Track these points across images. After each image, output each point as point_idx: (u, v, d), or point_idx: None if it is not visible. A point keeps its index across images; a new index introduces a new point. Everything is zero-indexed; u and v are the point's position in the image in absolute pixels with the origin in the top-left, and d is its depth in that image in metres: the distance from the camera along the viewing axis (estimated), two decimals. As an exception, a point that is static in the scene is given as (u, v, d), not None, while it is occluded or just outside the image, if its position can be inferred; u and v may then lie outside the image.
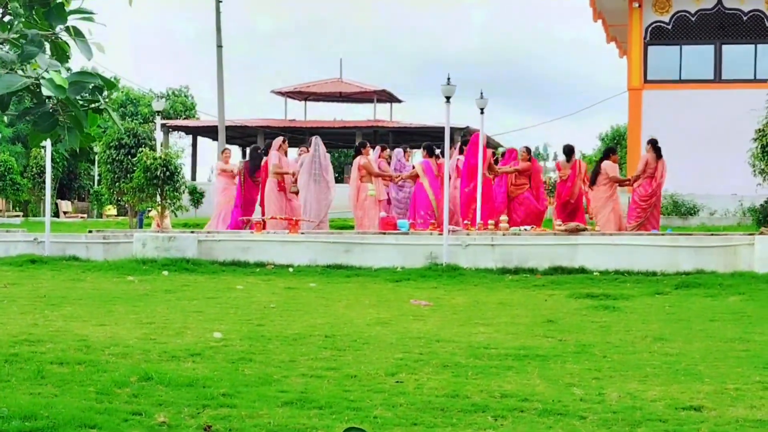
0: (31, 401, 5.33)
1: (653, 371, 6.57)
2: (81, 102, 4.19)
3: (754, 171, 14.19)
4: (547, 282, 12.77)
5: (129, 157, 23.29)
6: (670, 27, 27.63)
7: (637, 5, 27.54)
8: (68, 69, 4.28)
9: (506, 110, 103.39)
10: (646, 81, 27.61)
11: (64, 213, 38.24)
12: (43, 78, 3.93)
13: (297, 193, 17.92)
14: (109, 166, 24.41)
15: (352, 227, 19.14)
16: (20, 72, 4.05)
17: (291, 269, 14.29)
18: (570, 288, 12.04)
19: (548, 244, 14.35)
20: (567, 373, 6.47)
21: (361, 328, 8.54)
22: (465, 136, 24.50)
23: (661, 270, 13.50)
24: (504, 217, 16.28)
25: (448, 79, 14.92)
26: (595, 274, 13.49)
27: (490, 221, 16.32)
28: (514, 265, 14.07)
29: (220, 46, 35.77)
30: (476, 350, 7.34)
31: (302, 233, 15.85)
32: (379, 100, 44.41)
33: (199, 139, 45.31)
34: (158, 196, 16.84)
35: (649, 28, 27.72)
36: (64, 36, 4.25)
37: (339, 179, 25.74)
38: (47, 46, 4.30)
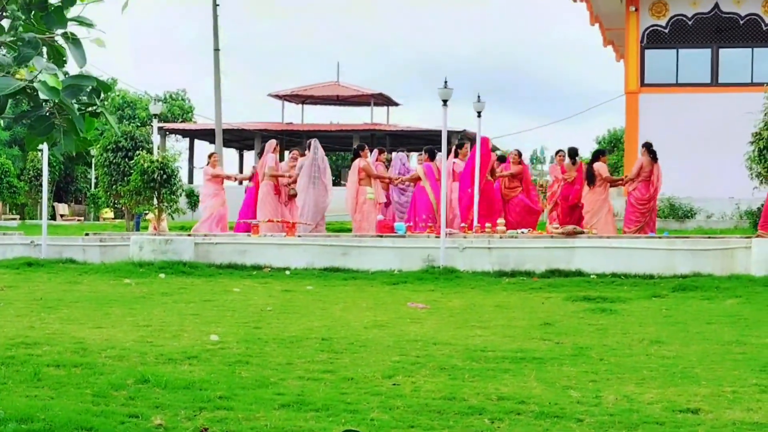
0: (27, 404, 5.33)
1: (650, 374, 6.58)
2: (78, 105, 4.19)
3: (751, 174, 14.19)
4: (544, 285, 12.77)
5: (126, 160, 23.29)
6: (667, 31, 27.67)
7: (634, 9, 27.56)
8: (65, 73, 4.27)
9: (503, 113, 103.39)
10: (643, 84, 27.63)
11: (61, 216, 38.21)
12: (38, 81, 3.93)
13: (295, 195, 17.92)
14: (106, 169, 24.42)
15: (349, 230, 19.13)
16: (16, 75, 4.05)
17: (288, 272, 14.28)
18: (567, 291, 12.04)
19: (545, 247, 14.36)
20: (564, 376, 6.47)
21: (358, 330, 8.54)
22: (461, 140, 24.50)
23: (658, 273, 13.51)
24: (501, 220, 16.29)
25: (445, 82, 14.94)
26: (592, 277, 13.50)
27: (487, 224, 16.33)
28: (510, 268, 14.08)
29: (217, 50, 35.78)
30: (473, 353, 7.34)
31: (299, 236, 15.85)
32: (376, 104, 44.43)
33: (196, 142, 45.29)
34: (155, 199, 16.81)
35: (646, 32, 27.74)
36: (61, 40, 4.26)
37: (336, 182, 25.71)
38: (44, 49, 4.31)
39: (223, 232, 18.04)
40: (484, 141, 17.99)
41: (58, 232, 21.44)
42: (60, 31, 4.18)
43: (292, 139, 42.13)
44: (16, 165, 38.05)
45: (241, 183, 20.40)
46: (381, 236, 15.85)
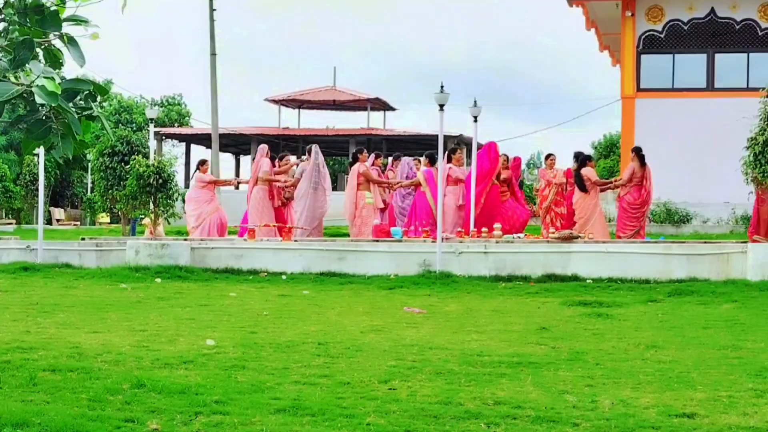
0: (23, 408, 5.32)
1: (646, 378, 6.58)
2: (74, 109, 4.20)
3: (746, 179, 14.22)
4: (541, 289, 12.78)
5: (122, 164, 23.27)
6: (663, 36, 27.72)
7: (630, 14, 27.61)
8: (62, 78, 4.28)
9: (499, 118, 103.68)
10: (639, 89, 27.68)
11: (57, 221, 38.15)
12: (36, 85, 3.93)
13: (291, 199, 17.93)
14: (102, 173, 24.38)
15: (345, 235, 19.13)
16: (12, 79, 4.05)
17: (284, 277, 14.28)
18: (563, 295, 12.04)
19: (541, 251, 14.37)
20: (560, 381, 6.47)
21: (354, 335, 8.54)
22: (457, 144, 24.51)
23: (654, 278, 13.52)
24: (498, 225, 16.29)
25: (442, 87, 14.94)
26: (588, 281, 13.51)
27: (483, 229, 16.33)
28: (507, 273, 14.08)
29: (214, 54, 35.79)
30: (469, 357, 7.34)
31: (295, 240, 15.85)
32: (373, 108, 44.45)
33: (193, 146, 45.27)
34: (151, 204, 16.85)
35: (642, 37, 27.80)
36: (58, 43, 4.26)
37: (332, 187, 25.72)
38: (40, 53, 4.31)
39: (222, 236, 18.01)
40: (492, 146, 18.00)
41: (55, 237, 21.41)
42: (56, 34, 4.19)
43: (288, 144, 42.14)
44: (12, 170, 38.00)
45: (237, 187, 20.40)
46: (377, 241, 15.85)
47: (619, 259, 13.94)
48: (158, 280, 13.60)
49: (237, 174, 46.94)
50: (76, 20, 4.20)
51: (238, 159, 49.25)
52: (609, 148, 46.26)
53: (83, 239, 17.31)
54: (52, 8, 4.18)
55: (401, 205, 18.90)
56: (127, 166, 19.97)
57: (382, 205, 18.48)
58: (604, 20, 29.93)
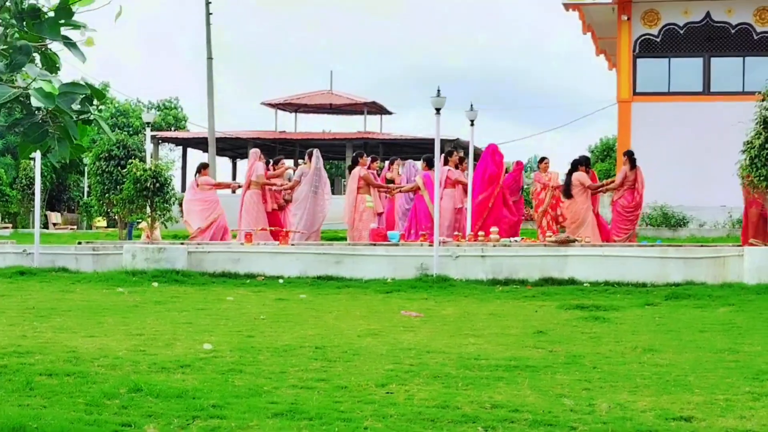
0: (19, 413, 5.31)
1: (643, 382, 6.58)
2: (71, 113, 4.19)
3: (743, 183, 14.24)
4: (538, 293, 12.78)
5: (119, 168, 23.26)
6: (658, 40, 27.78)
7: (626, 18, 27.66)
8: (59, 82, 4.28)
9: (496, 122, 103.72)
10: (635, 93, 27.73)
11: (54, 224, 38.12)
12: (33, 88, 3.93)
13: (289, 202, 17.93)
14: (98, 177, 24.39)
15: (342, 239, 19.12)
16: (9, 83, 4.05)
17: (281, 281, 14.27)
18: (560, 299, 12.05)
19: (538, 255, 14.37)
20: (557, 384, 6.47)
21: (351, 339, 8.53)
22: (453, 148, 24.53)
23: (651, 281, 13.53)
24: (495, 228, 16.30)
25: (438, 90, 14.96)
26: (585, 285, 13.52)
27: (480, 232, 16.35)
28: (504, 277, 14.08)
29: (210, 58, 35.82)
30: (466, 361, 7.34)
31: (292, 244, 15.85)
32: (369, 112, 44.48)
33: (189, 150, 45.27)
34: (148, 208, 16.81)
35: (638, 41, 27.85)
36: (54, 47, 4.26)
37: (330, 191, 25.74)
38: (37, 57, 4.30)
39: (225, 240, 17.97)
40: (495, 148, 17.98)
41: (51, 241, 21.39)
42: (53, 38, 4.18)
43: (285, 148, 42.15)
44: (9, 173, 37.98)
45: (234, 191, 20.39)
46: (374, 245, 15.85)
47: (616, 262, 13.94)
48: (155, 284, 13.59)
49: (234, 178, 46.92)
50: (74, 25, 4.20)
51: (235, 163, 49.27)
52: (605, 152, 46.32)
53: (80, 243, 17.30)
54: (49, 15, 4.18)
55: (407, 207, 18.85)
56: (124, 170, 19.94)
57: (381, 210, 18.49)
58: (600, 24, 29.99)
